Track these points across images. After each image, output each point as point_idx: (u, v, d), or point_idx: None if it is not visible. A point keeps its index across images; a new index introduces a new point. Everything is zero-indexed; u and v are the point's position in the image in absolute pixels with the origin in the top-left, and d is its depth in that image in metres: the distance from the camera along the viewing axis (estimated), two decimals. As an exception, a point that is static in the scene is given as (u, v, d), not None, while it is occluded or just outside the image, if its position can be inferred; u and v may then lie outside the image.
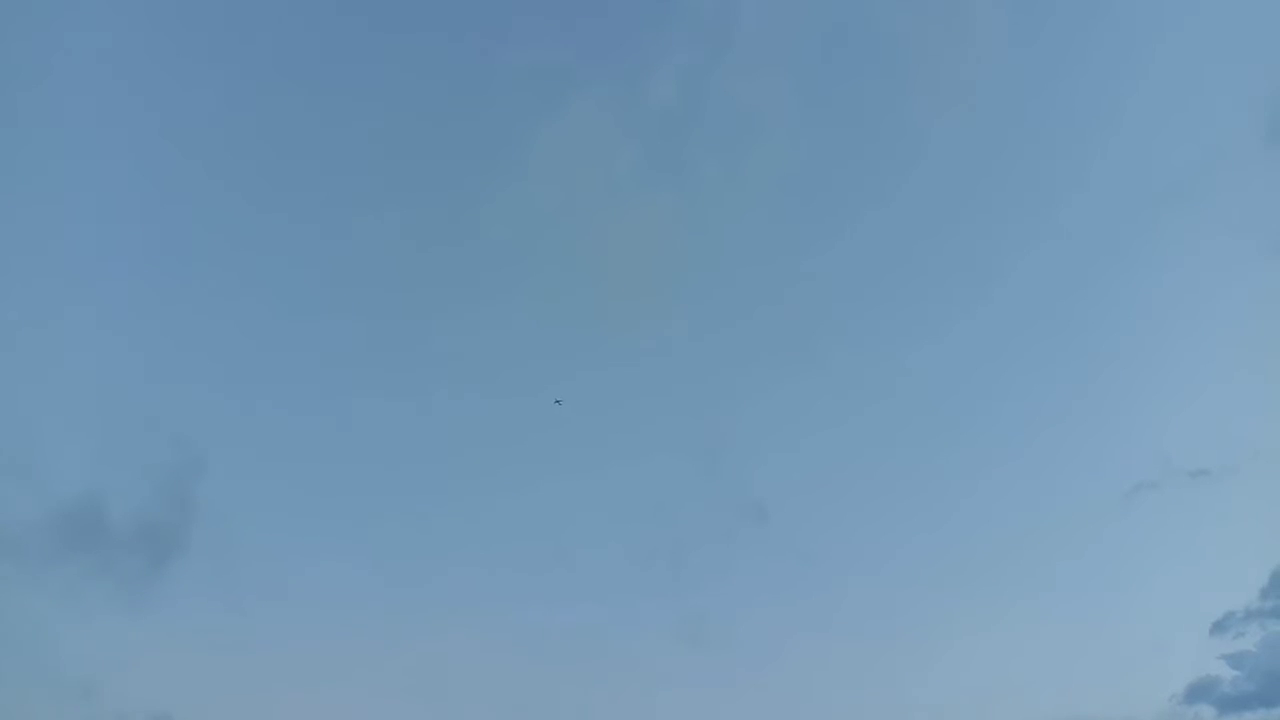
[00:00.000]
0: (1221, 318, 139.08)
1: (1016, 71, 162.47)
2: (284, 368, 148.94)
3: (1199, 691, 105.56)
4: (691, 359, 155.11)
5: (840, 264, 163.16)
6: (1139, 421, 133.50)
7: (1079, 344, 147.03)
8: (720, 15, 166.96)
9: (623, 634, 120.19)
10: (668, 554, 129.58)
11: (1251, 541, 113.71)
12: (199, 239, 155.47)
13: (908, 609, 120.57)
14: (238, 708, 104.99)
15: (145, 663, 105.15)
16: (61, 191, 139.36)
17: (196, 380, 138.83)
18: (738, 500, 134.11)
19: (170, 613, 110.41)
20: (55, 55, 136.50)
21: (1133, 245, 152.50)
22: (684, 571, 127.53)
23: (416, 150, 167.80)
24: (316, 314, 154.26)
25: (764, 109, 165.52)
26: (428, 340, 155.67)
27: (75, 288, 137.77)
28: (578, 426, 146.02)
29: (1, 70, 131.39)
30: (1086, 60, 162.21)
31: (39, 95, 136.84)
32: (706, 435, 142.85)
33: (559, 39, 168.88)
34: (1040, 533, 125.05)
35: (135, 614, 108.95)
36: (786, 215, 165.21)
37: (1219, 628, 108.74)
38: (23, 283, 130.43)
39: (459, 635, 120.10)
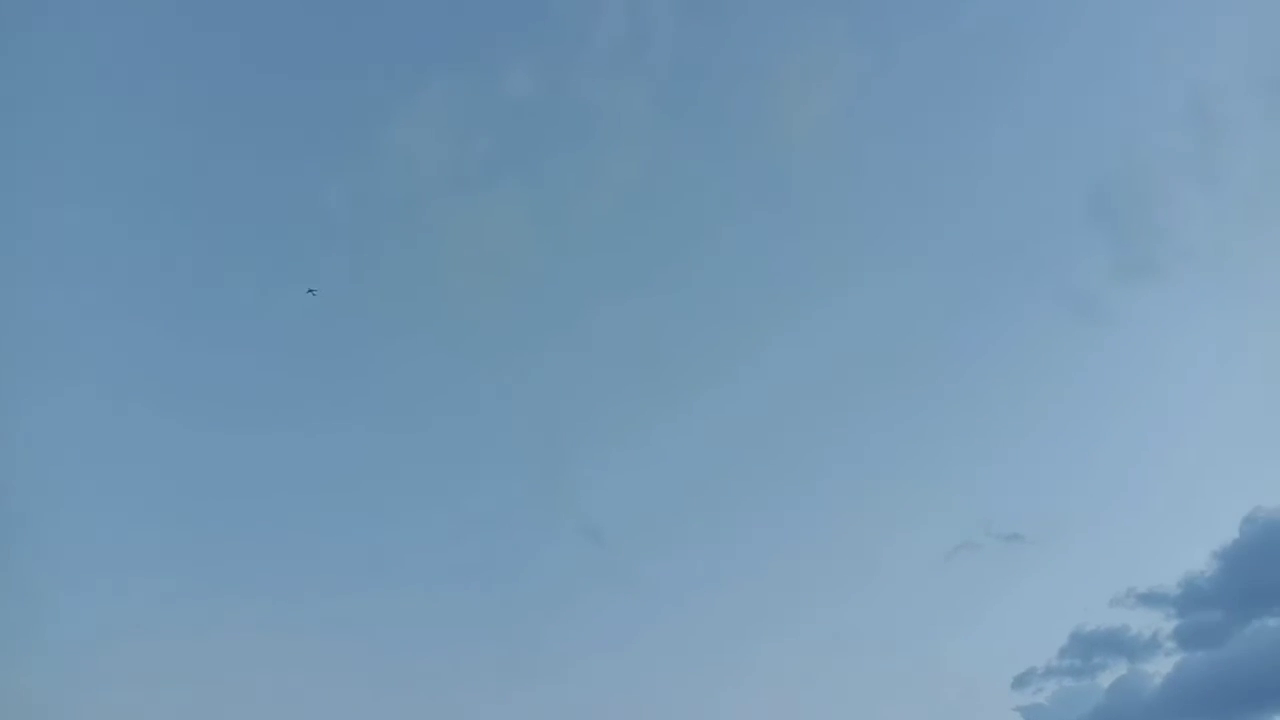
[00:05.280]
0: (1042, 382, 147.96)
1: (870, 111, 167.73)
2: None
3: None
4: (529, 373, 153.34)
5: (685, 280, 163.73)
6: (967, 484, 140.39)
7: (920, 398, 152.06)
8: (580, 14, 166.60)
9: (452, 661, 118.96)
10: (500, 578, 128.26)
11: (1056, 603, 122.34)
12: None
13: (733, 644, 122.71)
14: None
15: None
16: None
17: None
18: (573, 523, 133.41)
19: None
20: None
21: (963, 304, 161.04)
22: (516, 596, 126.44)
23: (259, 134, 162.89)
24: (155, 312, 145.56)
25: (618, 113, 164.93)
26: (267, 341, 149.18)
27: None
28: (409, 445, 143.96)
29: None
30: (934, 120, 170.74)
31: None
32: (543, 455, 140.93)
33: (413, 24, 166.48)
34: (866, 583, 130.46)
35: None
36: (635, 223, 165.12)
37: (1020, 682, 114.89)
38: None
39: (280, 658, 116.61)
